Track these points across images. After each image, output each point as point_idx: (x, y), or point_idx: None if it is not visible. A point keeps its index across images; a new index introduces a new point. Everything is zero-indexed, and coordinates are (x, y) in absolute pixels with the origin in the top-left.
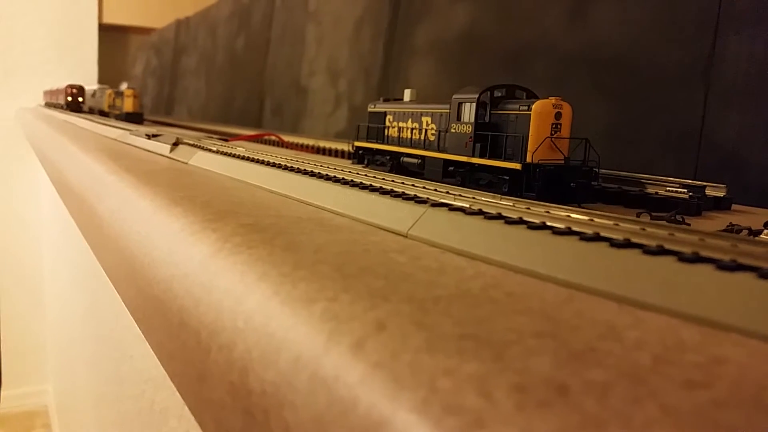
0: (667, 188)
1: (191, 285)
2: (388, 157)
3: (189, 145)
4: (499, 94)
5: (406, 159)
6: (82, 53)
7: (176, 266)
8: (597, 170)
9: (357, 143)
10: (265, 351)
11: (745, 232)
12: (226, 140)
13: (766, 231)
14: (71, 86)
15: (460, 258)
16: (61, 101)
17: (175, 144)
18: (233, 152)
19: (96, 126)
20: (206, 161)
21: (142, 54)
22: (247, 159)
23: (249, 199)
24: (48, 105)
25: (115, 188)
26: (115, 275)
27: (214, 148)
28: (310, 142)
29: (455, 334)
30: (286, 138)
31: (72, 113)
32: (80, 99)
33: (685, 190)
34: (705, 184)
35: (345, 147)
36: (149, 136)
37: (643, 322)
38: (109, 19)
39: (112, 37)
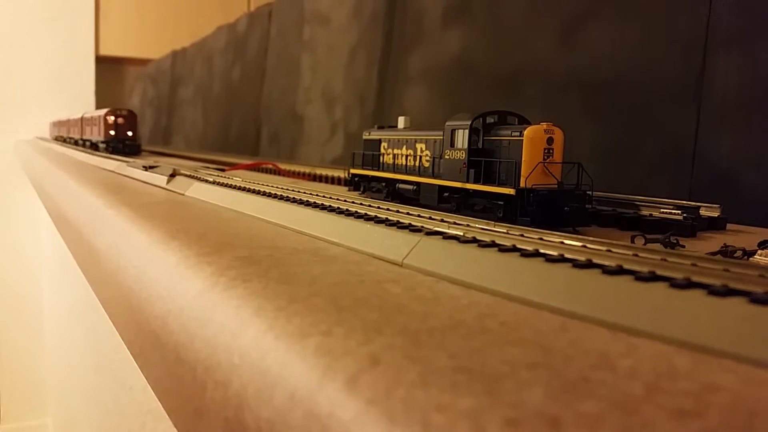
0: (662, 210)
1: (187, 320)
2: (383, 184)
3: (186, 176)
4: (492, 120)
5: (401, 185)
6: (80, 85)
7: (172, 301)
8: (590, 194)
9: (353, 170)
10: (261, 387)
11: (739, 253)
12: (222, 170)
13: (760, 252)
14: (116, 112)
15: (454, 287)
16: (96, 136)
17: (172, 175)
18: (230, 183)
19: (92, 158)
20: (203, 192)
21: (139, 85)
22: (244, 189)
23: (245, 231)
24: (60, 141)
25: (111, 222)
26: (112, 309)
27: (211, 179)
28: (307, 169)
29: (449, 367)
30: (283, 166)
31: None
32: (130, 134)
33: (679, 212)
34: (699, 204)
35: (341, 174)
36: (146, 168)
37: (635, 349)
38: (105, 51)
39: (109, 69)
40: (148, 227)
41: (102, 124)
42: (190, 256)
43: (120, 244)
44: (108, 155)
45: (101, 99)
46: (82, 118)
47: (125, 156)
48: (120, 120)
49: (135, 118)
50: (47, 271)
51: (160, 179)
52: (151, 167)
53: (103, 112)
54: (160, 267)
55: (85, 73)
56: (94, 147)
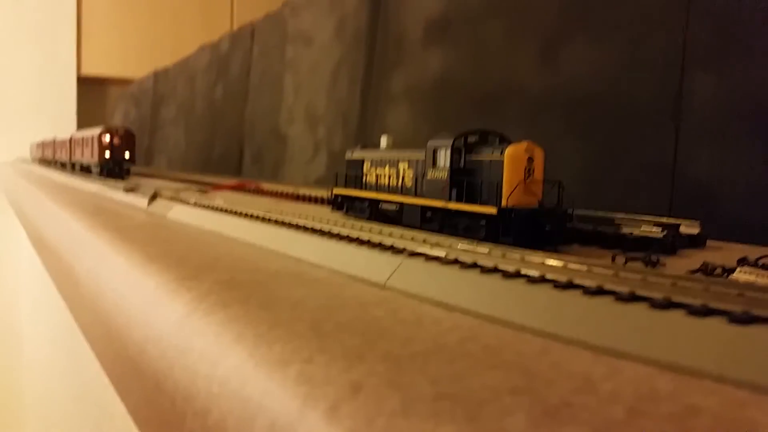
0: (642, 227)
1: (166, 347)
2: (366, 204)
3: (166, 198)
4: (473, 140)
5: (384, 205)
6: (61, 105)
7: (151, 327)
8: (571, 212)
9: (336, 190)
10: (240, 417)
11: (719, 270)
12: (205, 192)
13: (739, 269)
14: (112, 131)
15: (437, 309)
16: (88, 158)
17: (153, 197)
18: (211, 204)
19: (73, 180)
20: (184, 214)
21: (121, 105)
22: (225, 211)
23: (226, 254)
24: (44, 163)
25: (90, 245)
26: (91, 335)
27: (192, 201)
28: (290, 189)
29: (431, 394)
30: (266, 186)
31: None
32: (128, 155)
33: (660, 229)
34: (679, 221)
35: (324, 194)
36: (127, 190)
37: (617, 371)
38: (87, 71)
39: (91, 89)
40: (127, 251)
41: (95, 144)
42: (170, 281)
43: (99, 268)
44: (90, 177)
45: (83, 119)
46: (71, 139)
47: (121, 180)
48: (116, 140)
49: (133, 138)
50: (27, 296)
51: (141, 201)
52: (132, 189)
53: (96, 131)
54: (139, 292)
55: (67, 94)
56: (85, 170)
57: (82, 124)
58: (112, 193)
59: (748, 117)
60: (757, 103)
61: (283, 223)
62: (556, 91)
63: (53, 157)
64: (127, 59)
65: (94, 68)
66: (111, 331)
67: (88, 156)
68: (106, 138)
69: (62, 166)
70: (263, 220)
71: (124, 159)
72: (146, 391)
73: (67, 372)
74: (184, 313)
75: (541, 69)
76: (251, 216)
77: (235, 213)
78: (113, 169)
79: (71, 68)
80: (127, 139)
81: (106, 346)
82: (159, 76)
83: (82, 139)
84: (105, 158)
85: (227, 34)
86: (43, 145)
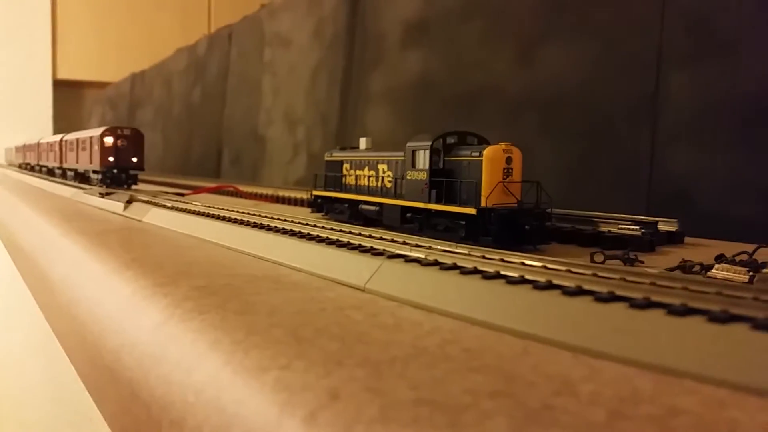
0: (620, 225)
1: (141, 355)
2: (346, 205)
3: (143, 201)
4: (452, 141)
5: (364, 206)
6: (37, 109)
7: (126, 335)
8: (550, 211)
9: (315, 192)
10: (216, 426)
11: (697, 267)
12: (181, 195)
13: (717, 266)
14: (116, 131)
15: (417, 312)
16: (85, 163)
17: (129, 201)
18: (188, 208)
19: (49, 184)
20: (161, 218)
21: (97, 108)
22: (202, 215)
23: (203, 258)
24: (25, 170)
25: (65, 251)
26: (67, 343)
27: (169, 204)
28: (269, 191)
29: (410, 399)
30: (245, 188)
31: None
32: (135, 159)
33: (638, 227)
34: (657, 219)
35: (304, 195)
36: (102, 195)
37: (597, 372)
38: (63, 75)
39: (68, 92)
40: (102, 256)
41: (97, 148)
42: (146, 287)
43: (74, 275)
44: (66, 181)
45: (60, 123)
46: (62, 141)
47: (126, 190)
48: (121, 142)
49: (141, 139)
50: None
51: (117, 206)
52: (108, 194)
53: (97, 132)
54: (114, 298)
55: (42, 97)
56: (81, 179)
57: (58, 128)
58: (88, 197)
59: (723, 116)
60: (731, 102)
61: (261, 226)
62: (534, 92)
63: (37, 162)
64: (103, 63)
65: (70, 72)
66: (86, 338)
67: (85, 161)
68: (109, 140)
69: (49, 173)
70: (241, 223)
71: (132, 164)
72: (123, 400)
73: (44, 379)
74: (160, 320)
75: (518, 70)
76: (229, 219)
77: (213, 216)
78: (118, 177)
79: (47, 72)
80: (134, 140)
81: (83, 354)
82: (136, 79)
83: (77, 141)
84: (109, 162)
85: (204, 37)
86: (25, 149)
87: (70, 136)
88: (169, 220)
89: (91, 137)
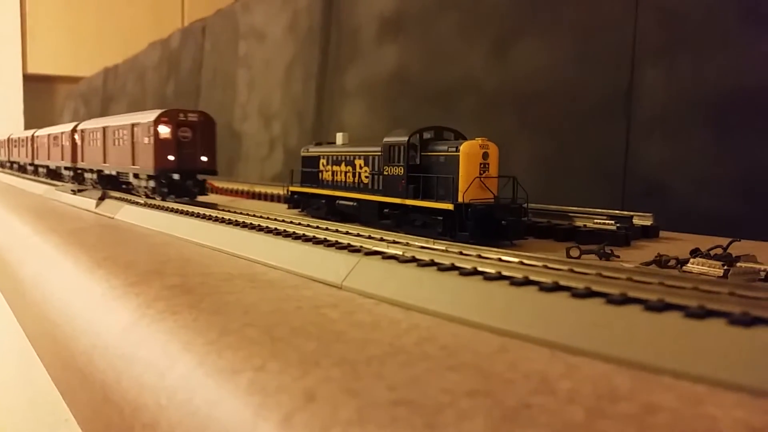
0: (595, 220)
1: (113, 357)
2: (323, 201)
3: (115, 198)
4: (429, 136)
5: (341, 202)
6: (7, 104)
7: (98, 336)
8: (526, 206)
9: (292, 188)
10: (189, 430)
11: (673, 262)
12: None
13: (692, 260)
14: (178, 117)
15: (394, 309)
16: (127, 163)
17: (101, 198)
18: (161, 204)
19: (20, 181)
20: (133, 215)
21: (70, 103)
22: (176, 211)
23: (176, 256)
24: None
25: (36, 250)
26: (38, 344)
27: (141, 201)
28: (245, 187)
29: (388, 400)
30: (220, 184)
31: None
32: (205, 159)
33: (613, 222)
34: (632, 214)
35: (281, 191)
36: (74, 192)
37: (575, 369)
38: (34, 69)
39: (39, 87)
40: (73, 255)
41: (150, 142)
42: (117, 287)
43: (44, 274)
44: (38, 178)
45: (31, 118)
46: (74, 131)
47: (189, 205)
48: (185, 132)
49: (213, 128)
50: None
51: (89, 203)
52: (80, 191)
53: (149, 116)
54: (86, 298)
55: (13, 92)
56: (120, 187)
57: (30, 123)
58: (60, 194)
59: (697, 110)
60: (704, 97)
61: (236, 223)
62: (510, 87)
63: (34, 160)
64: (75, 57)
65: (41, 67)
66: (58, 339)
67: (126, 160)
68: (166, 130)
69: (57, 175)
70: (216, 220)
71: (201, 164)
72: (95, 402)
73: (18, 381)
74: (132, 320)
75: (494, 65)
76: (203, 216)
77: (186, 213)
78: (181, 186)
79: (17, 67)
80: (204, 129)
81: (54, 356)
82: (109, 74)
83: (104, 131)
84: (168, 165)
85: (178, 30)
86: (8, 142)
87: (87, 126)
88: (142, 218)
89: (133, 124)
